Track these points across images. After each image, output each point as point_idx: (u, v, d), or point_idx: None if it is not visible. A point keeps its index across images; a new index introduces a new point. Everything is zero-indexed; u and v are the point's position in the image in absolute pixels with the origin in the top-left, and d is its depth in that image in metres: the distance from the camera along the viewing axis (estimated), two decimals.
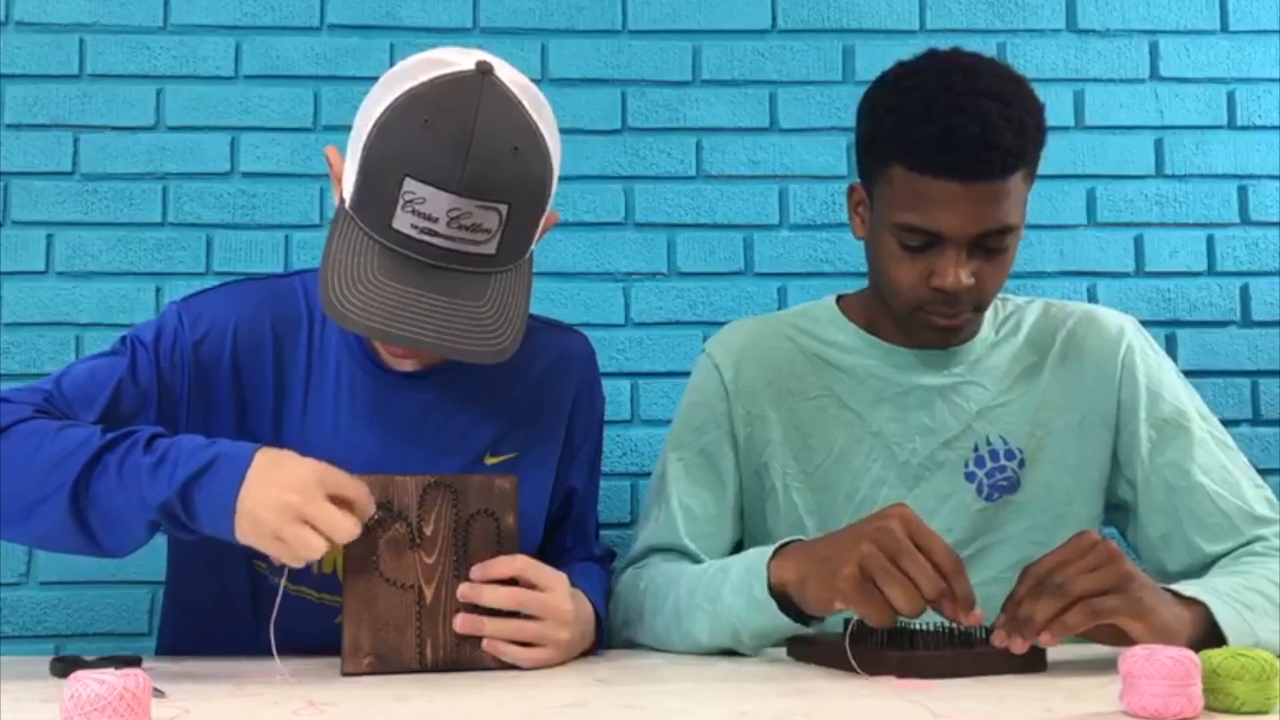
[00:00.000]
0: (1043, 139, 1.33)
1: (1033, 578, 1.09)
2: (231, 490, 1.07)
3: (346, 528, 1.08)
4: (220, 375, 1.26)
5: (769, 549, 1.23)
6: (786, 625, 1.20)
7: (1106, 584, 1.07)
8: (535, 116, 1.16)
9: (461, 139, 1.10)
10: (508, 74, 1.16)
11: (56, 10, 1.91)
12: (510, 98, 1.14)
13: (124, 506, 1.09)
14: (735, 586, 1.23)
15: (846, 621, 1.17)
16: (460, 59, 1.15)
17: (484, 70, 1.13)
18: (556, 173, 1.19)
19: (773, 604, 1.19)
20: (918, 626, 1.12)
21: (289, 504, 1.06)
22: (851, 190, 1.43)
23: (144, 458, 1.09)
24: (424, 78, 1.13)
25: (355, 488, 1.11)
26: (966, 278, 1.31)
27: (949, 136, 1.26)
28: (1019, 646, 1.06)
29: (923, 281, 1.33)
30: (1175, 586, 1.15)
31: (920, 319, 1.37)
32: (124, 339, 1.27)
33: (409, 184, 1.10)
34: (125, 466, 1.09)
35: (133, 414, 1.22)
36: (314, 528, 1.07)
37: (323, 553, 1.08)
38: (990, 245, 1.31)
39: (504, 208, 1.12)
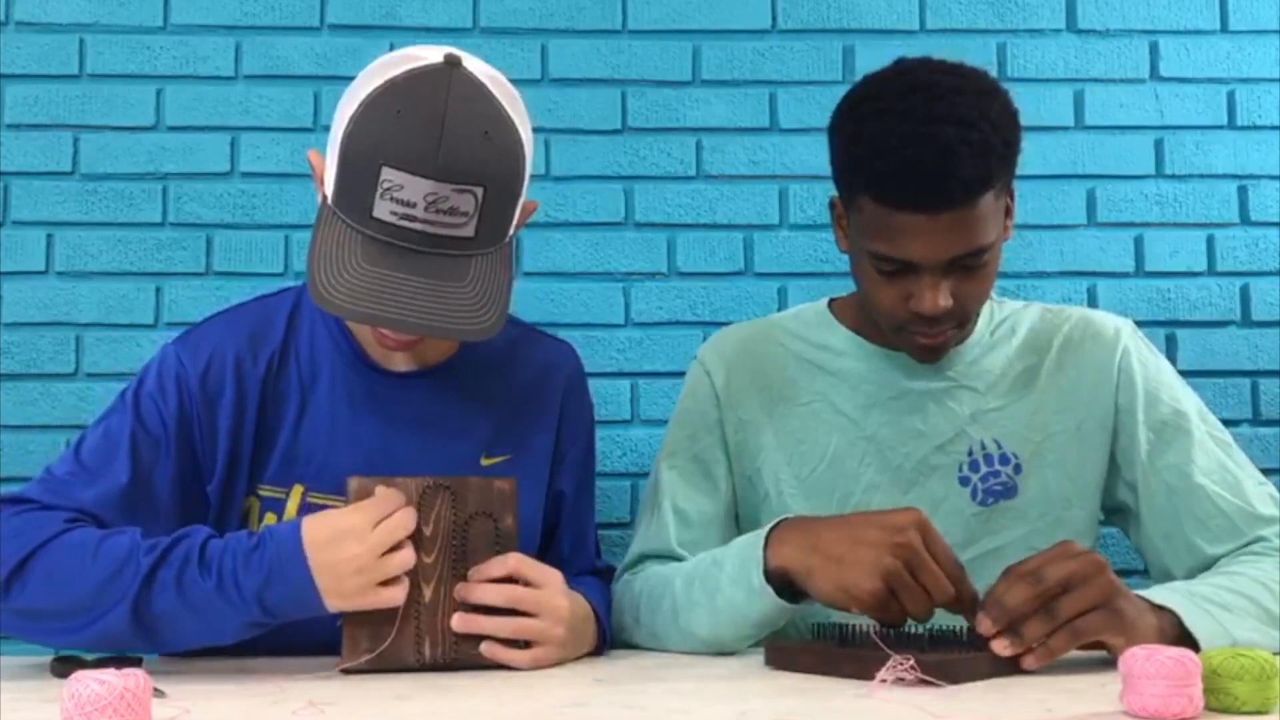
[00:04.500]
0: (1014, 151, 1.29)
1: (1014, 576, 1.10)
2: (307, 584, 1.11)
3: (408, 520, 1.14)
4: (225, 402, 1.29)
5: (761, 533, 1.24)
6: (787, 609, 1.21)
7: (1093, 601, 1.08)
8: (505, 104, 1.19)
9: (433, 125, 1.13)
10: (477, 66, 1.20)
11: (56, 10, 1.91)
12: (479, 86, 1.18)
13: (200, 629, 1.14)
14: (732, 576, 1.24)
15: (819, 625, 1.19)
16: (429, 54, 1.18)
17: (452, 62, 1.17)
18: (530, 159, 1.22)
19: (770, 590, 1.20)
20: (914, 630, 1.13)
21: (360, 558, 1.11)
22: (832, 204, 1.41)
23: (203, 581, 1.11)
24: (394, 72, 1.17)
25: (388, 499, 1.14)
26: (944, 300, 1.29)
27: (909, 169, 1.23)
28: (1002, 649, 1.07)
29: (902, 303, 1.32)
30: (1147, 593, 1.16)
31: (905, 337, 1.37)
32: (124, 394, 1.30)
33: (386, 172, 1.13)
34: (186, 588, 1.12)
35: (152, 462, 1.25)
36: (391, 551, 1.12)
37: (412, 560, 1.13)
38: (967, 264, 1.29)
39: (479, 190, 1.15)
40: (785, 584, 1.21)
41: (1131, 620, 1.09)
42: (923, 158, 1.22)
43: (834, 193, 1.40)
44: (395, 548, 1.13)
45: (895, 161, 1.24)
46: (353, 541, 1.11)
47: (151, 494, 1.24)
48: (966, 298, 1.32)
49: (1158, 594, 1.16)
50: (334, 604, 1.12)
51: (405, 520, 1.14)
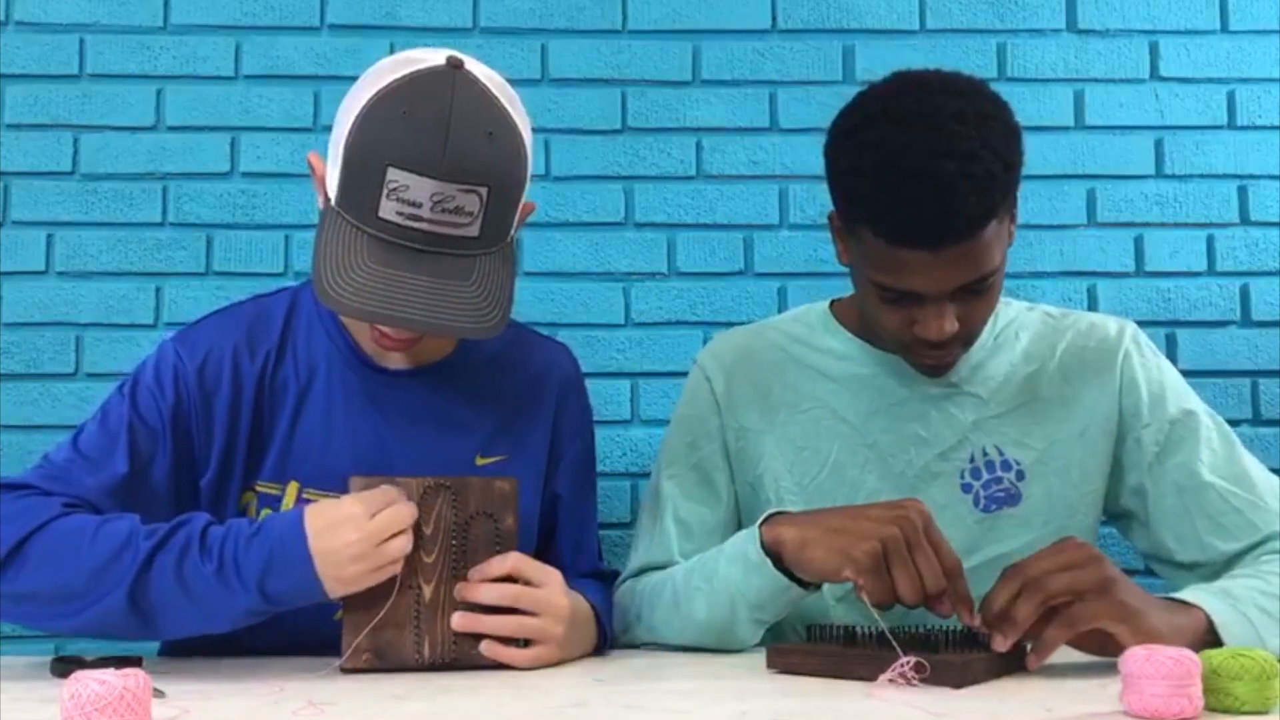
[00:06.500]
0: (1017, 174, 1.26)
1: (1010, 577, 1.10)
2: (308, 570, 1.11)
3: (407, 514, 1.14)
4: (222, 397, 1.30)
5: (762, 517, 1.25)
6: (784, 588, 1.21)
7: (1085, 585, 1.07)
8: (507, 105, 1.21)
9: (439, 126, 1.14)
10: (479, 69, 1.21)
11: (56, 10, 1.91)
12: (482, 88, 1.19)
13: (198, 616, 1.13)
14: (730, 556, 1.25)
15: (820, 627, 1.18)
16: (431, 56, 1.19)
17: (455, 65, 1.18)
18: (530, 161, 1.23)
19: (768, 562, 1.20)
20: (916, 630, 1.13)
21: (358, 545, 1.11)
22: (831, 218, 1.38)
23: (203, 565, 1.11)
24: (397, 75, 1.18)
25: (388, 493, 1.15)
26: (950, 326, 1.27)
27: (910, 208, 1.19)
28: (999, 644, 1.07)
29: (906, 327, 1.30)
30: (1178, 594, 1.15)
31: (911, 356, 1.36)
32: (122, 386, 1.31)
33: (392, 173, 1.14)
34: (185, 573, 1.11)
35: (150, 455, 1.26)
36: (389, 539, 1.12)
37: (409, 547, 1.13)
38: (972, 289, 1.27)
39: (484, 190, 1.16)
40: (780, 565, 1.21)
41: (1135, 609, 1.06)
42: (923, 196, 1.19)
43: (832, 206, 1.36)
44: (393, 537, 1.13)
45: (896, 199, 1.20)
46: (351, 528, 1.11)
47: (149, 486, 1.25)
48: (972, 319, 1.31)
49: (1187, 594, 1.15)
50: (334, 590, 1.12)
51: (404, 513, 1.13)
